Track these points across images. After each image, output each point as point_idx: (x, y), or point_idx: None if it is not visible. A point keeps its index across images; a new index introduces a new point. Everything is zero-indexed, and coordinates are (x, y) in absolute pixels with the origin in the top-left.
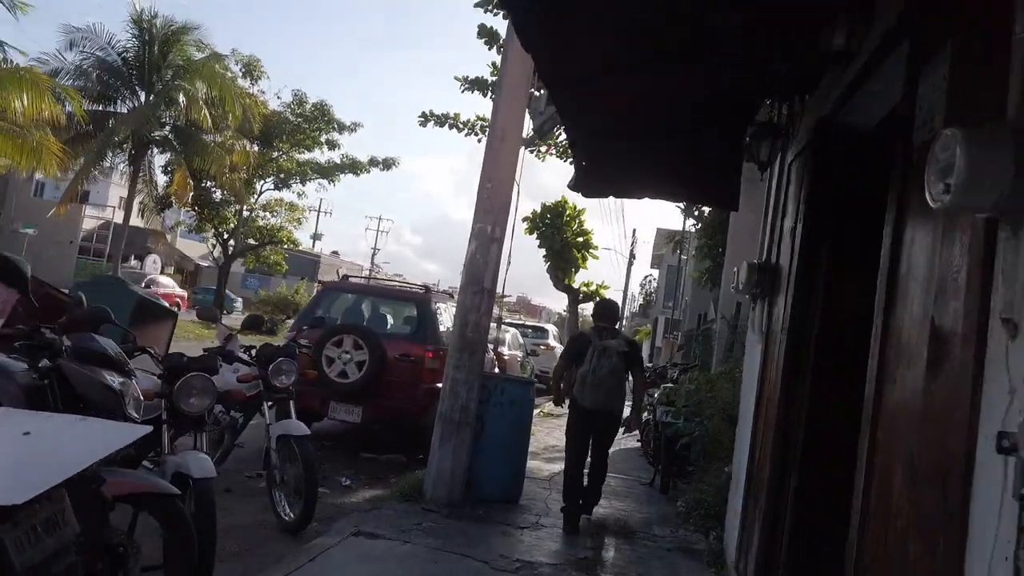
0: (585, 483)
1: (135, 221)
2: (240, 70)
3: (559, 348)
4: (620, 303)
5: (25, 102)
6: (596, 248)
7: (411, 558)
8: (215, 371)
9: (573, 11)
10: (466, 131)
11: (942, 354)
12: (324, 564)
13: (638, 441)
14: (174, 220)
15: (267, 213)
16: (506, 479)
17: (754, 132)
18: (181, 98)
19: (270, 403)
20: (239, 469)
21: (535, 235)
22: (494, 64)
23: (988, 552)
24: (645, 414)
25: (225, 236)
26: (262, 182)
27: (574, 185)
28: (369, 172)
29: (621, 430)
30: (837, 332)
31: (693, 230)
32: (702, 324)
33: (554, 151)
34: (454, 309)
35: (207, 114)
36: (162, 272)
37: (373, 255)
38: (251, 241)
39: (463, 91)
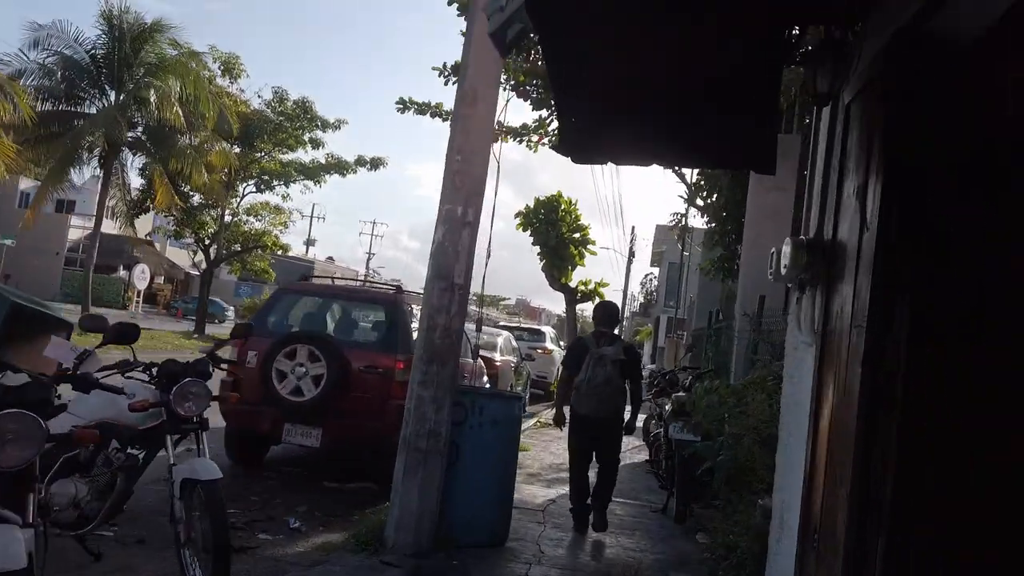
0: (594, 486)
1: (124, 230)
2: (219, 68)
3: (557, 351)
4: (620, 303)
5: None
6: (594, 243)
7: None
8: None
9: None
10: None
11: None
12: None
13: (647, 461)
14: (151, 226)
15: (251, 217)
16: (489, 517)
17: (810, 54)
18: (152, 97)
19: (176, 436)
20: (163, 511)
21: (529, 232)
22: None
23: None
24: (652, 423)
25: (206, 242)
26: (244, 184)
27: (560, 147)
28: (356, 172)
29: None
30: (940, 333)
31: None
32: (713, 322)
33: (547, 140)
34: None
35: (179, 112)
36: (151, 282)
37: (368, 259)
38: (236, 247)
39: (446, 83)
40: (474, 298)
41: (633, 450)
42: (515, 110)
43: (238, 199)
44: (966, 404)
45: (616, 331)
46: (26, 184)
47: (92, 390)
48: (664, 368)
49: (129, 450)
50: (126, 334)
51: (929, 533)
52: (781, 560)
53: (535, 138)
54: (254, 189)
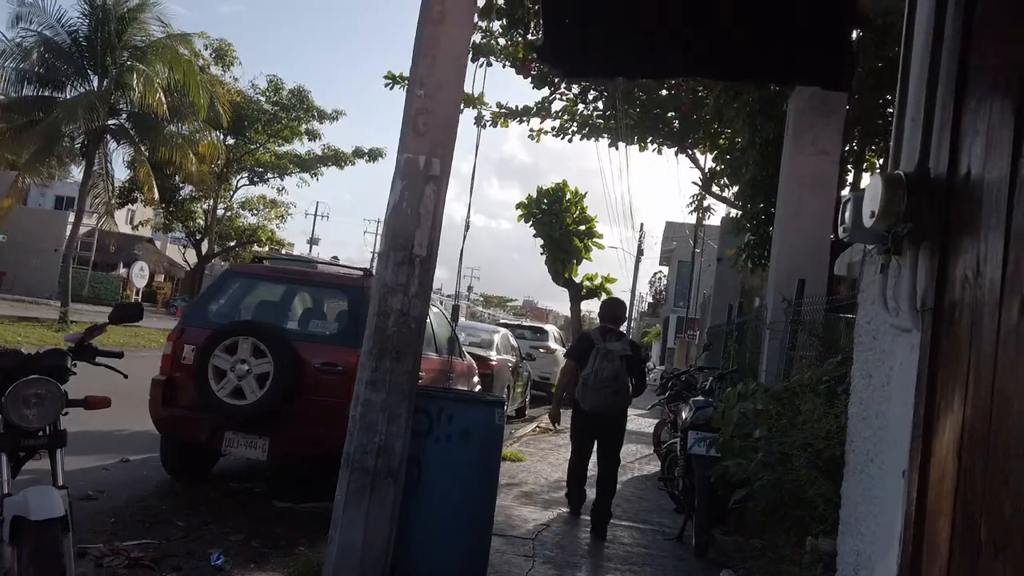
0: (595, 484)
1: (124, 228)
2: (211, 55)
3: (560, 351)
4: (628, 302)
5: None
6: (600, 236)
7: None
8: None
9: None
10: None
11: None
12: None
13: (661, 479)
14: (137, 220)
15: (246, 211)
16: (459, 554)
17: None
18: (135, 82)
19: (13, 455)
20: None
21: (530, 223)
22: None
23: None
24: (664, 430)
25: (197, 236)
26: (238, 177)
27: (543, 53)
28: (354, 164)
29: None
30: None
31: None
32: (735, 316)
33: (550, 128)
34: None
35: (162, 98)
36: (151, 280)
37: (373, 258)
38: (230, 244)
39: None
40: (480, 298)
41: (642, 460)
42: (517, 93)
43: (231, 192)
44: None
45: (622, 329)
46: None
47: None
48: (677, 369)
49: None
50: (128, 315)
51: None
52: None
53: (537, 123)
54: (247, 182)
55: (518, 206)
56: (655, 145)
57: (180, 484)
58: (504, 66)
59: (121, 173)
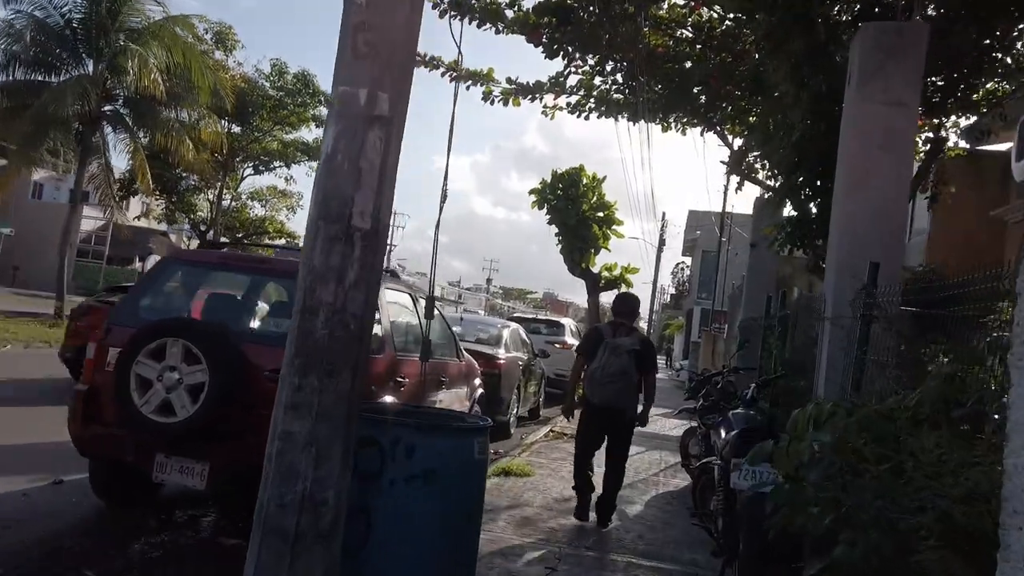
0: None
1: (141, 222)
2: (211, 39)
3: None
4: (649, 294)
5: None
6: (620, 224)
7: None
8: None
9: None
10: (446, 73)
11: None
12: None
13: (693, 516)
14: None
15: (254, 202)
16: None
17: None
18: (131, 65)
19: None
20: None
21: (544, 210)
22: None
23: None
24: (692, 442)
25: (202, 228)
26: (244, 166)
27: None
28: None
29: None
30: None
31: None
32: (775, 308)
33: (565, 104)
34: (389, 292)
35: (158, 78)
36: None
37: (389, 252)
38: (238, 236)
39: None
40: (500, 291)
41: (667, 472)
42: (529, 69)
43: (237, 182)
44: None
45: (634, 325)
46: (40, 175)
47: None
48: (708, 369)
49: None
50: None
51: None
52: None
53: (551, 99)
54: (252, 171)
55: (532, 192)
56: (679, 125)
57: (113, 512)
58: (512, 32)
59: (122, 164)
